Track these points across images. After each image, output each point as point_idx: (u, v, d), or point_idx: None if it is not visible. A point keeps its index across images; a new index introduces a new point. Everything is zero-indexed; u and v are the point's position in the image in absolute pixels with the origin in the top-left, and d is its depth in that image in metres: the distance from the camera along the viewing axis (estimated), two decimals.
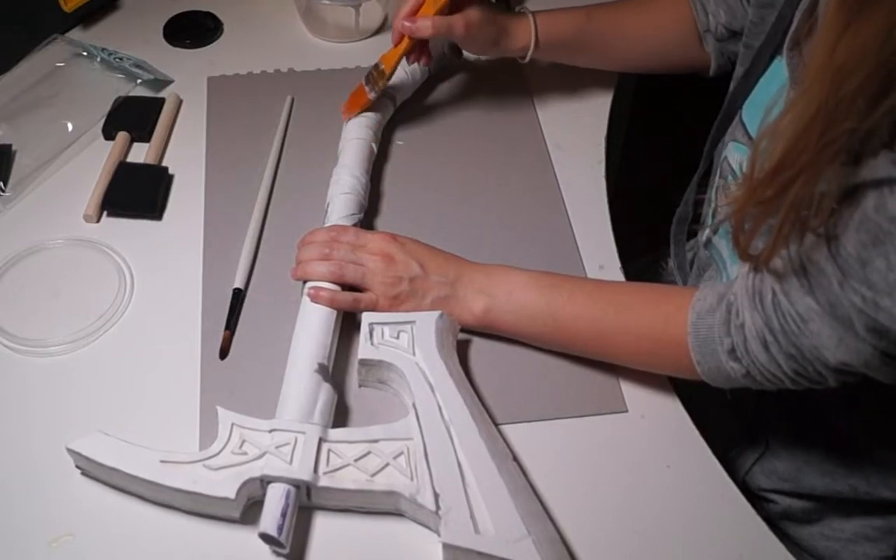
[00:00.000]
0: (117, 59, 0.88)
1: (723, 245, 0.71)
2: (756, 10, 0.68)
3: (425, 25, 0.73)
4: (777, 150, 0.49)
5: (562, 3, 0.83)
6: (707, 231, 0.74)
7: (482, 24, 0.75)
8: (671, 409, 0.64)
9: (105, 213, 0.76)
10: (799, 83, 0.55)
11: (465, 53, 0.89)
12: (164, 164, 0.80)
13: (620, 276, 0.72)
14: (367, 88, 0.78)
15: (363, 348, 0.62)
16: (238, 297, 0.69)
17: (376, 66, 0.78)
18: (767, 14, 0.66)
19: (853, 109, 0.44)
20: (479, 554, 0.52)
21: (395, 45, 0.76)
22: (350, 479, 0.55)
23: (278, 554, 0.55)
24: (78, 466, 0.58)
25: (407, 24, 0.74)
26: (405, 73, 0.84)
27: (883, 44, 0.42)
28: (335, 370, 0.64)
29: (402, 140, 0.84)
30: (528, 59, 0.80)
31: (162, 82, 0.88)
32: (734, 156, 0.68)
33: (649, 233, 0.85)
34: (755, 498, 0.73)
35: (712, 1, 0.75)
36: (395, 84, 0.82)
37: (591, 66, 0.86)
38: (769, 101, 0.61)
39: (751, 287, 0.55)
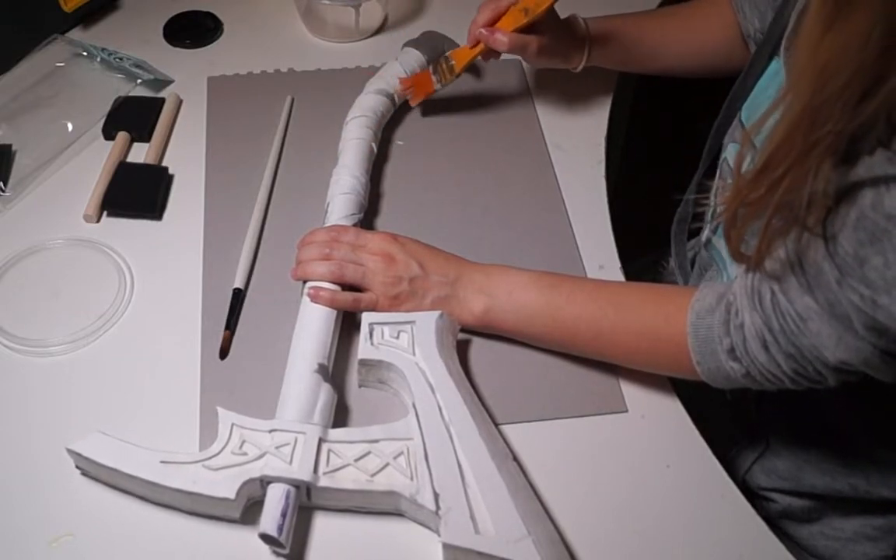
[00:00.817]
0: (117, 59, 0.88)
1: (722, 245, 0.71)
2: (773, 14, 0.68)
3: (502, 40, 0.76)
4: (765, 150, 0.49)
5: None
6: (707, 231, 0.74)
7: (551, 50, 0.79)
8: (671, 409, 0.64)
9: (105, 213, 0.76)
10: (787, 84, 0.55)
11: None
12: (164, 164, 0.80)
13: (620, 276, 0.72)
14: (434, 78, 0.82)
15: (363, 348, 0.62)
16: (238, 297, 0.69)
17: (447, 59, 0.81)
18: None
19: (837, 110, 0.45)
20: (480, 554, 0.52)
21: (471, 47, 0.79)
22: (350, 479, 0.55)
23: (278, 554, 0.55)
24: (78, 467, 0.58)
25: (485, 33, 0.77)
26: (405, 73, 0.84)
27: (864, 44, 0.42)
28: (335, 370, 0.64)
29: (402, 140, 0.84)
30: (578, 70, 0.83)
31: (162, 82, 0.88)
32: (733, 156, 0.68)
33: (649, 233, 0.85)
34: (755, 497, 0.73)
35: (747, 7, 0.75)
36: (395, 84, 0.82)
37: (638, 72, 0.88)
38: (766, 102, 0.61)
39: (750, 287, 0.55)
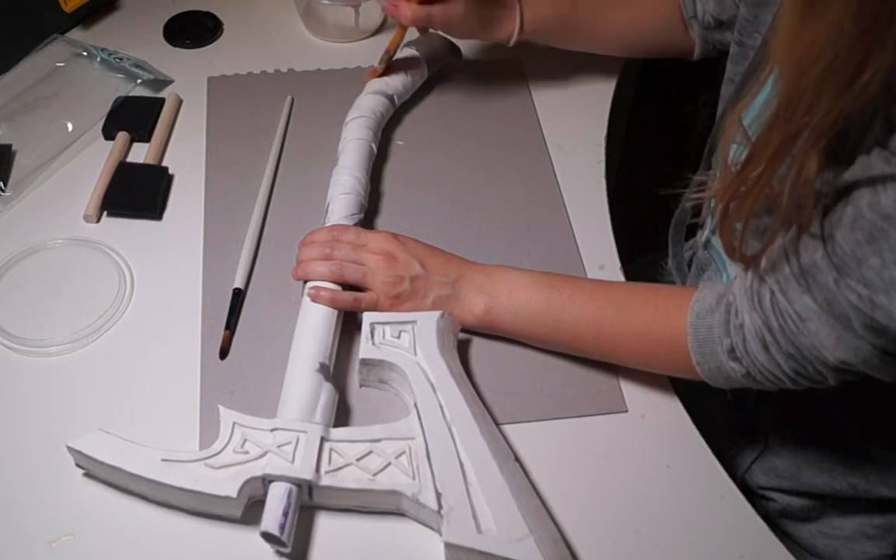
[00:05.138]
0: (117, 59, 0.88)
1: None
2: (749, 9, 0.68)
3: (405, 14, 0.75)
4: (751, 143, 0.50)
5: None
6: (706, 232, 0.74)
7: (463, 17, 0.77)
8: (671, 409, 0.65)
9: (105, 213, 0.75)
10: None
11: (465, 55, 0.90)
12: (164, 164, 0.80)
13: (620, 276, 0.73)
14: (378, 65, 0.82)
15: (364, 348, 0.62)
16: (238, 296, 0.69)
17: (386, 50, 0.82)
18: (762, 12, 0.66)
19: (813, 102, 0.45)
20: (482, 553, 0.52)
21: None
22: (352, 478, 0.55)
23: (280, 553, 0.55)
24: (78, 465, 0.58)
25: (389, 6, 0.76)
26: (404, 73, 0.84)
27: (837, 37, 0.43)
28: (336, 370, 0.64)
29: (402, 140, 0.84)
30: (511, 44, 0.81)
31: (162, 82, 0.88)
32: (731, 154, 0.68)
33: (649, 233, 0.85)
34: (754, 496, 0.73)
35: None
36: (395, 85, 0.83)
37: (575, 50, 0.87)
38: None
39: (749, 287, 0.55)
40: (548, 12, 0.81)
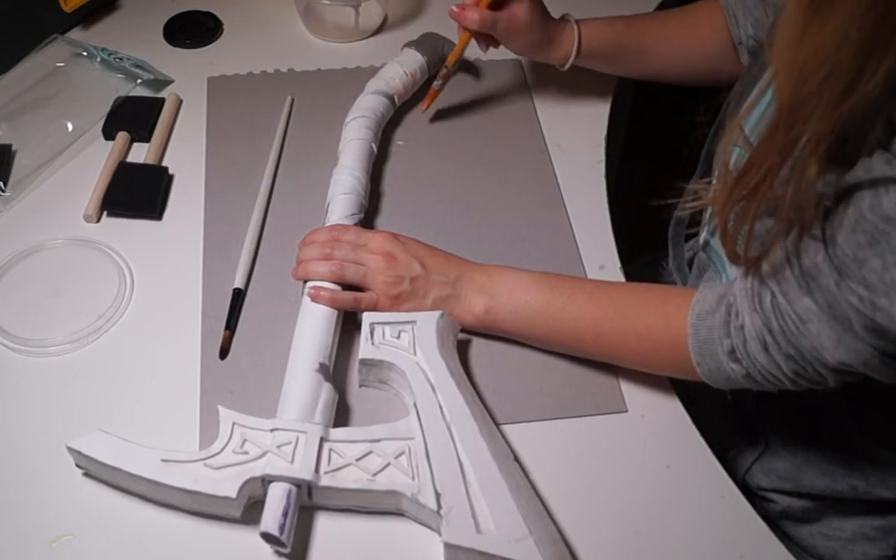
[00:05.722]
0: (117, 59, 0.88)
1: (720, 246, 0.71)
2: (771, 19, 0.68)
3: (472, 18, 0.74)
4: (751, 148, 0.50)
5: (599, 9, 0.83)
6: (704, 233, 0.74)
7: (527, 27, 0.76)
8: (671, 409, 0.65)
9: (105, 213, 0.75)
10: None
11: (465, 55, 0.89)
12: (164, 164, 0.80)
13: (620, 276, 0.73)
14: (435, 82, 0.81)
15: (364, 348, 0.62)
16: (238, 296, 0.69)
17: (444, 60, 0.81)
18: None
19: (815, 108, 0.45)
20: (481, 553, 0.52)
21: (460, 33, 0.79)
22: (351, 478, 0.55)
23: (280, 553, 0.55)
24: (78, 465, 0.58)
25: (455, 10, 0.75)
26: (404, 73, 0.84)
27: (841, 43, 0.43)
28: (336, 370, 0.64)
29: (402, 140, 0.84)
30: (566, 67, 0.81)
31: (162, 82, 0.88)
32: (732, 160, 0.68)
33: (649, 233, 0.84)
34: (755, 497, 0.73)
35: (741, 14, 0.75)
36: (395, 85, 0.83)
37: (628, 76, 0.87)
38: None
39: (750, 289, 0.55)
40: (604, 36, 0.80)
